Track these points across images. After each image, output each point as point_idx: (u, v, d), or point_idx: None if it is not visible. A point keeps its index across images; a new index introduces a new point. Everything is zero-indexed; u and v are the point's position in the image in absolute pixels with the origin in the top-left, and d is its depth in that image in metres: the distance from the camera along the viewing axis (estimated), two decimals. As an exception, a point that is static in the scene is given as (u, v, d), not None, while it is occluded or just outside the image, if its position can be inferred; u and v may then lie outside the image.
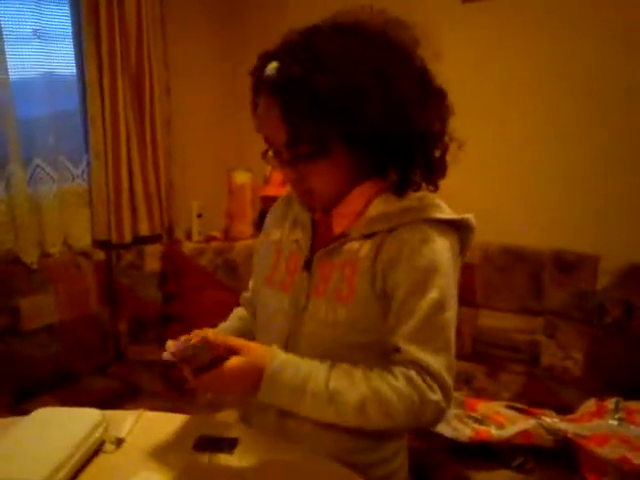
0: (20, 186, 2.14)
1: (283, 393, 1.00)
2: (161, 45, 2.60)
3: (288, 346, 1.08)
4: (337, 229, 1.10)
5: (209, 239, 2.64)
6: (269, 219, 1.28)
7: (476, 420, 1.72)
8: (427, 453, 1.65)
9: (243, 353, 1.00)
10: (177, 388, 2.01)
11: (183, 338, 0.98)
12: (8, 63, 2.07)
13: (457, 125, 1.08)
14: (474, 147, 1.09)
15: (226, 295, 2.27)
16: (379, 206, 1.07)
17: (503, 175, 2.37)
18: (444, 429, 1.65)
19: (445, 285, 1.03)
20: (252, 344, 1.05)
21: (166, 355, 0.99)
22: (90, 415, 1.10)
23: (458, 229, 1.08)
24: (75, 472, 0.99)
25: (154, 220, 2.59)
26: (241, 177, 2.62)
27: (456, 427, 1.68)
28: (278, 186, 2.36)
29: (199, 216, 2.66)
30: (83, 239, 2.42)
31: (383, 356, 1.04)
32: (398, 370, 1.00)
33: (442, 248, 1.04)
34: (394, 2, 1.13)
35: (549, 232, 2.25)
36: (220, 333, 1.11)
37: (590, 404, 1.81)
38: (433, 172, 1.08)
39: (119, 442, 1.08)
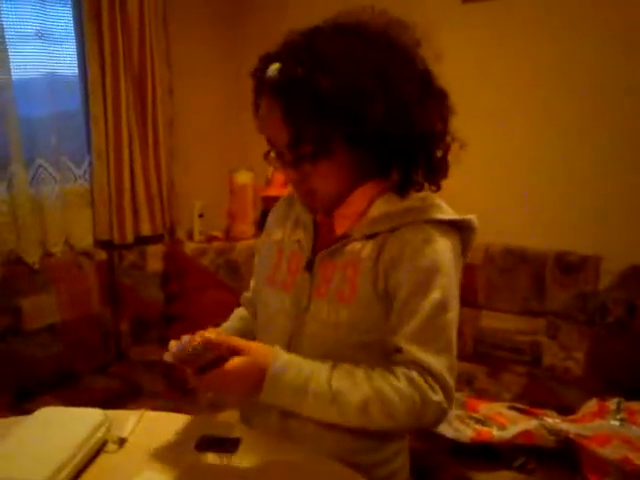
0: (22, 186, 2.14)
1: (285, 393, 1.00)
2: (164, 45, 2.60)
3: (290, 346, 1.08)
4: (339, 230, 1.10)
5: (211, 239, 2.65)
6: (271, 219, 1.28)
7: (478, 421, 1.72)
8: (429, 454, 1.65)
9: (245, 353, 1.00)
10: (179, 388, 2.02)
11: (186, 338, 0.99)
12: (11, 63, 2.07)
13: (458, 125, 1.08)
14: (475, 147, 1.09)
15: (228, 295, 2.27)
16: (381, 206, 1.07)
17: (504, 175, 2.37)
18: (446, 430, 1.65)
19: (447, 285, 1.03)
20: (254, 344, 1.05)
21: (167, 357, 1.00)
22: (92, 415, 1.10)
23: (460, 230, 1.08)
24: (77, 472, 0.99)
25: (156, 220, 2.59)
26: (243, 177, 2.63)
27: (458, 428, 1.68)
28: (280, 186, 2.36)
29: (201, 216, 2.67)
30: (85, 239, 2.42)
31: (385, 356, 1.04)
32: (400, 371, 1.01)
33: (444, 248, 1.04)
34: (395, 3, 1.13)
35: (551, 233, 2.26)
36: (222, 333, 1.12)
37: (592, 404, 1.81)
38: (435, 172, 1.08)
39: (121, 442, 1.08)
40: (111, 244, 2.47)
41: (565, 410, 1.82)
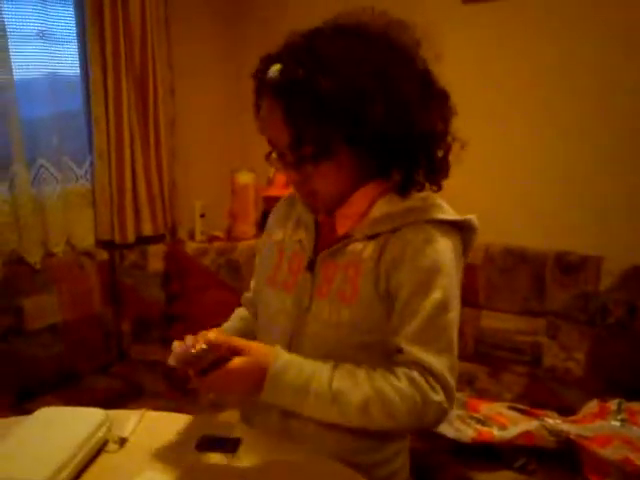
0: (24, 186, 2.14)
1: (286, 393, 1.01)
2: (165, 46, 2.60)
3: (291, 347, 1.08)
4: (340, 230, 1.11)
5: (212, 239, 2.65)
6: (272, 219, 1.28)
7: (478, 421, 1.72)
8: (429, 454, 1.65)
9: (245, 353, 1.00)
10: (180, 388, 2.02)
11: (189, 342, 0.99)
12: (12, 63, 2.07)
13: (458, 125, 1.08)
14: (475, 147, 1.09)
15: (229, 295, 2.28)
16: (382, 207, 1.08)
17: (504, 175, 2.37)
18: (446, 430, 1.65)
19: (448, 285, 1.03)
20: (254, 344, 1.05)
21: (171, 361, 1.00)
22: (93, 414, 1.10)
23: (461, 230, 1.08)
24: (78, 472, 0.99)
25: (157, 220, 2.59)
26: (244, 177, 2.63)
27: (458, 428, 1.68)
28: (281, 187, 2.37)
29: (202, 216, 2.67)
30: (86, 239, 2.42)
31: (386, 357, 1.04)
32: (401, 371, 1.01)
33: (445, 248, 1.04)
34: (395, 3, 1.13)
35: (551, 233, 2.25)
36: (223, 333, 1.12)
37: (592, 405, 1.81)
38: (436, 172, 1.09)
39: (122, 442, 1.08)
40: (112, 244, 2.47)
41: (566, 411, 1.82)
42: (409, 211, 1.06)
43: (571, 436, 1.62)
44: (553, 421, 1.70)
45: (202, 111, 2.85)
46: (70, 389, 2.12)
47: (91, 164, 2.43)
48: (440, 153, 1.08)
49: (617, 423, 1.70)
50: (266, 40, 1.02)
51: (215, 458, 1.03)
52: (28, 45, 2.17)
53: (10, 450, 1.00)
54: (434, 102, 1.06)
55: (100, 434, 1.06)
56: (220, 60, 2.94)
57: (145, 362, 2.35)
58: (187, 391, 1.93)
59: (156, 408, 1.24)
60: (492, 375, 2.16)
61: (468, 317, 2.22)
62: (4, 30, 2.03)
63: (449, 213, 1.08)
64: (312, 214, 1.15)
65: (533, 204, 2.32)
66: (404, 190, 1.08)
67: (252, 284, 1.35)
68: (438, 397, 0.99)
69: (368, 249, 1.06)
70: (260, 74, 1.04)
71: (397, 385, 0.99)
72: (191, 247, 2.56)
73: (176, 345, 1.01)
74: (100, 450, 1.06)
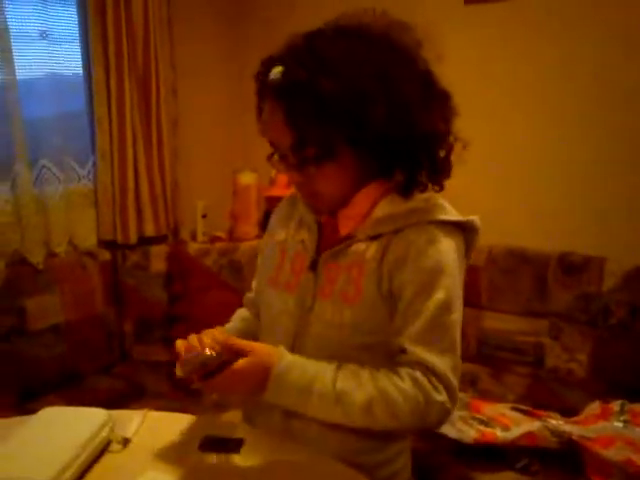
0: (26, 186, 2.15)
1: (290, 393, 1.01)
2: (168, 46, 2.60)
3: (295, 347, 1.08)
4: (343, 231, 1.11)
5: (214, 240, 2.65)
6: (274, 219, 1.28)
7: (481, 422, 1.72)
8: (432, 454, 1.65)
9: (249, 354, 1.00)
10: (182, 388, 2.01)
11: (193, 339, 0.99)
12: (15, 64, 2.07)
13: (460, 126, 1.08)
14: (477, 148, 1.09)
15: (231, 296, 2.27)
16: (385, 207, 1.08)
17: (506, 176, 2.37)
18: (449, 430, 1.65)
19: (451, 286, 1.03)
20: (257, 344, 1.05)
21: (178, 372, 1.00)
22: (96, 415, 1.10)
23: (464, 230, 1.08)
24: (81, 472, 0.99)
25: (159, 221, 2.59)
26: (246, 178, 2.63)
27: (461, 428, 1.68)
28: (284, 187, 2.36)
29: (204, 216, 2.67)
30: (89, 239, 2.42)
31: (389, 357, 1.04)
32: (404, 371, 1.01)
33: (448, 249, 1.04)
34: (396, 4, 1.13)
35: (554, 234, 2.25)
36: (226, 333, 1.12)
37: (595, 406, 1.81)
38: (438, 172, 1.08)
39: (125, 442, 1.09)
40: (115, 244, 2.47)
41: (568, 412, 1.81)
42: (412, 212, 1.06)
43: (574, 437, 1.62)
44: (556, 422, 1.70)
45: (204, 111, 2.85)
46: (72, 389, 2.13)
47: (93, 164, 2.43)
48: (442, 153, 1.08)
49: (620, 424, 1.70)
50: (269, 40, 1.02)
51: (218, 458, 1.03)
52: (31, 45, 2.17)
53: (13, 450, 1.00)
54: (436, 103, 1.06)
55: (103, 434, 1.06)
56: (223, 60, 2.94)
57: (147, 362, 2.35)
58: (190, 391, 1.93)
59: (158, 408, 1.25)
60: (494, 376, 2.16)
61: (470, 318, 2.22)
62: (6, 30, 2.04)
63: (452, 214, 1.08)
64: (314, 214, 1.15)
65: (535, 205, 2.32)
66: (406, 191, 1.08)
67: (254, 284, 1.35)
68: (441, 397, 0.99)
69: (371, 250, 1.06)
70: (262, 76, 1.04)
71: (400, 385, 0.99)
72: (193, 248, 2.56)
73: (179, 345, 1.01)
74: (103, 450, 1.06)
